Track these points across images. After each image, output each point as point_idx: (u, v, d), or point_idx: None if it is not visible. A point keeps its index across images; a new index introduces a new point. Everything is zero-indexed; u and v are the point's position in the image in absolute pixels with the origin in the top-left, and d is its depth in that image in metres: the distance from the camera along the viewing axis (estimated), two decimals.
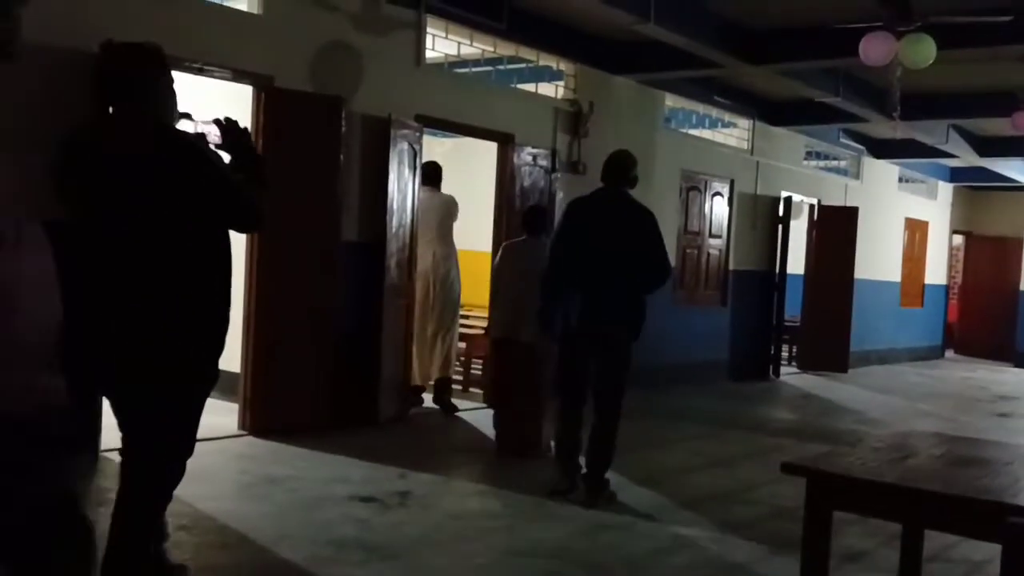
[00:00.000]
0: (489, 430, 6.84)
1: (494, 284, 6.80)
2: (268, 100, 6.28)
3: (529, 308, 5.66)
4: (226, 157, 3.30)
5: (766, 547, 4.63)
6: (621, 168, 5.33)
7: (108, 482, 4.99)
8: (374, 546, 4.25)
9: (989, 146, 12.86)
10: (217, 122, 3.34)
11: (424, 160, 7.45)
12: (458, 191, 10.84)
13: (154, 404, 3.12)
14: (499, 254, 6.63)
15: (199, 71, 6.09)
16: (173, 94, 3.21)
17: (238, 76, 6.26)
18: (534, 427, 6.22)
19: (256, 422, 6.29)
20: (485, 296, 8.36)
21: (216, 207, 3.10)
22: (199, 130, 3.66)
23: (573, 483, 5.24)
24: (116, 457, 5.32)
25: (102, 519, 4.42)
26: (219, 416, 6.56)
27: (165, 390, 3.08)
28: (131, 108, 3.07)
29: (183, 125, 3.33)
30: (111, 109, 3.13)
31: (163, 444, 3.20)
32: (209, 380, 3.25)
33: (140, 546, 3.25)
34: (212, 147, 3.19)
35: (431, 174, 7.64)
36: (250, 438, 6.19)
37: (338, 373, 6.63)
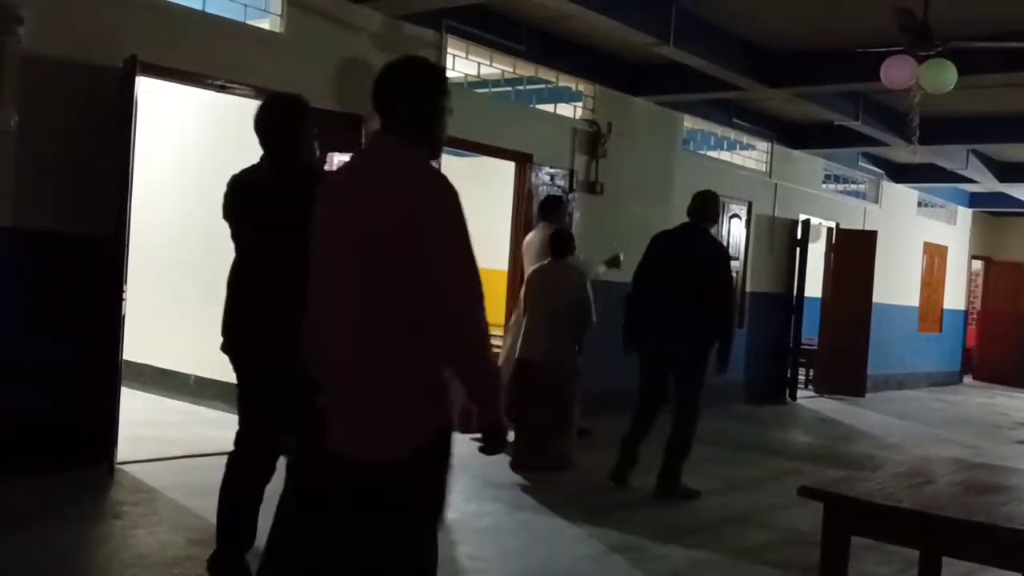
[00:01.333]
0: (507, 448, 6.80)
1: (521, 306, 6.87)
2: None
3: (558, 332, 6.29)
4: None
5: (782, 572, 4.59)
6: (699, 206, 6.05)
7: (122, 494, 5.01)
8: None
9: (1009, 171, 12.79)
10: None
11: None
12: (476, 210, 10.85)
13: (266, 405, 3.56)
14: (527, 279, 6.75)
15: (221, 88, 6.15)
16: (312, 136, 3.66)
17: (260, 94, 6.28)
18: (560, 442, 6.41)
19: None
20: (502, 316, 8.36)
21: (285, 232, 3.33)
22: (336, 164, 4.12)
23: (623, 475, 5.94)
24: (129, 470, 5.36)
25: (116, 531, 4.45)
26: (233, 431, 6.57)
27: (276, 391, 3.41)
28: (275, 150, 3.61)
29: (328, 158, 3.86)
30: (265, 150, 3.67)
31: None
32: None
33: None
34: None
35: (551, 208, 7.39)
36: None
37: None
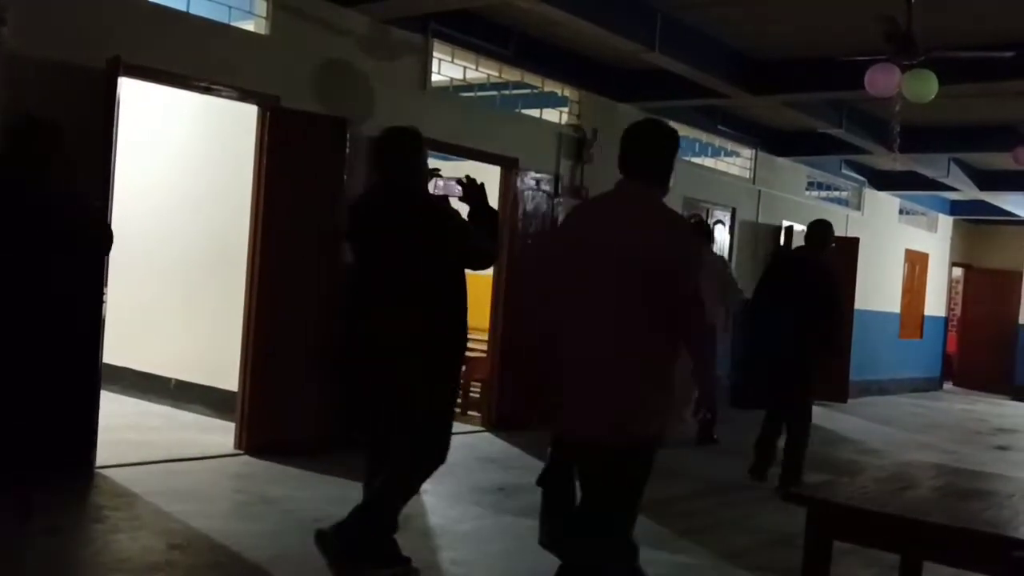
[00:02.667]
0: (489, 452, 6.82)
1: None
2: (273, 120, 6.31)
3: None
4: (461, 206, 4.10)
5: (766, 575, 4.60)
6: (814, 236, 6.86)
7: (103, 499, 4.97)
8: None
9: (989, 180, 12.91)
10: (459, 181, 4.14)
11: None
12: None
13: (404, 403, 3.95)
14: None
15: (206, 90, 6.13)
16: (423, 163, 4.07)
17: (245, 95, 6.30)
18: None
19: (253, 441, 6.26)
20: (486, 320, 8.36)
21: (451, 250, 3.90)
22: (445, 185, 4.88)
23: (761, 474, 6.68)
24: (111, 474, 5.32)
25: (97, 536, 4.41)
26: (215, 435, 6.55)
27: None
28: (389, 177, 4.00)
29: (433, 182, 4.36)
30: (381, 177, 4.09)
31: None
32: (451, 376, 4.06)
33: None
34: (455, 199, 4.11)
35: None
36: (246, 457, 6.16)
37: (337, 393, 6.60)
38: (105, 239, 4.48)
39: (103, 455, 5.43)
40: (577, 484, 3.18)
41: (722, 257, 8.36)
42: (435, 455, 4.03)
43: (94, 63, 5.31)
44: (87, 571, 4.00)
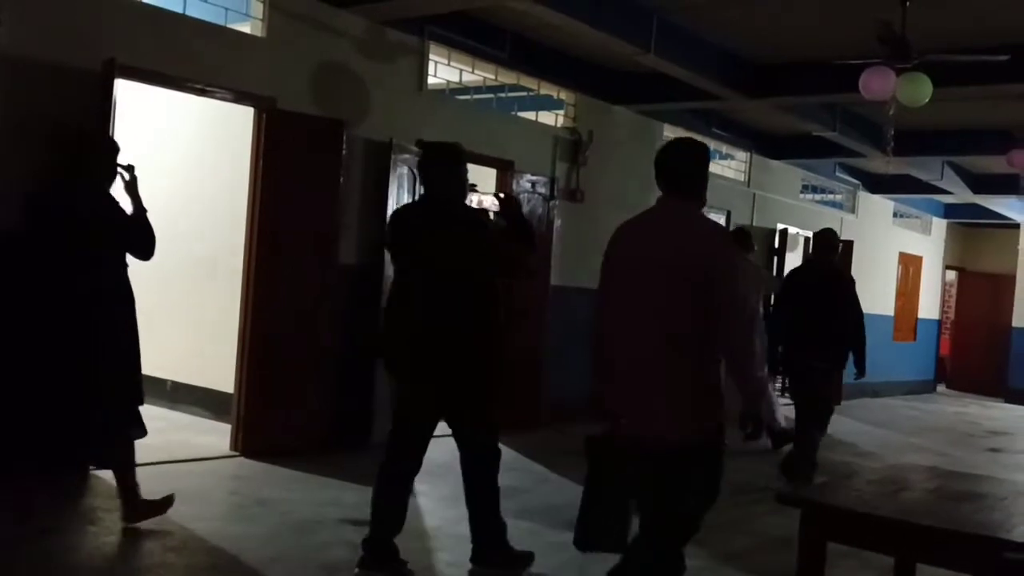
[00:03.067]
0: None
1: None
2: (269, 121, 6.31)
3: None
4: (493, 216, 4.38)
5: None
6: (823, 242, 7.08)
7: (97, 500, 4.97)
8: None
9: (983, 183, 12.95)
10: (497, 196, 4.50)
11: None
12: None
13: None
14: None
15: (201, 92, 6.13)
16: (463, 178, 4.23)
17: (240, 97, 6.30)
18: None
19: (249, 443, 6.26)
20: None
21: (488, 262, 4.11)
22: (482, 200, 5.02)
23: (809, 475, 6.77)
24: (104, 476, 5.31)
25: (90, 537, 4.40)
26: (211, 437, 6.55)
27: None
28: (432, 190, 4.16)
29: (472, 195, 4.56)
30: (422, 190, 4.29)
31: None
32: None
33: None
34: (492, 214, 4.29)
35: None
36: (242, 459, 6.16)
37: (333, 395, 6.62)
38: (150, 245, 4.80)
39: None
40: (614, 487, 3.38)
41: (762, 268, 8.71)
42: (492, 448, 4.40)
43: (90, 65, 5.32)
44: (81, 573, 4.00)
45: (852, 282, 7.22)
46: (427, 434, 4.29)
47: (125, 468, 4.46)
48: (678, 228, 3.30)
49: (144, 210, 4.65)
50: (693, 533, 3.35)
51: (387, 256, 5.25)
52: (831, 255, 7.03)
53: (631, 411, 3.28)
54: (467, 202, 4.36)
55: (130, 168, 4.52)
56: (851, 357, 7.03)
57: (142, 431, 4.53)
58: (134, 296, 4.62)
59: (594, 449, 3.40)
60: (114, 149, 4.51)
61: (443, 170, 4.14)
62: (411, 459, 4.31)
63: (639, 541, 3.33)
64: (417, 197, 5.21)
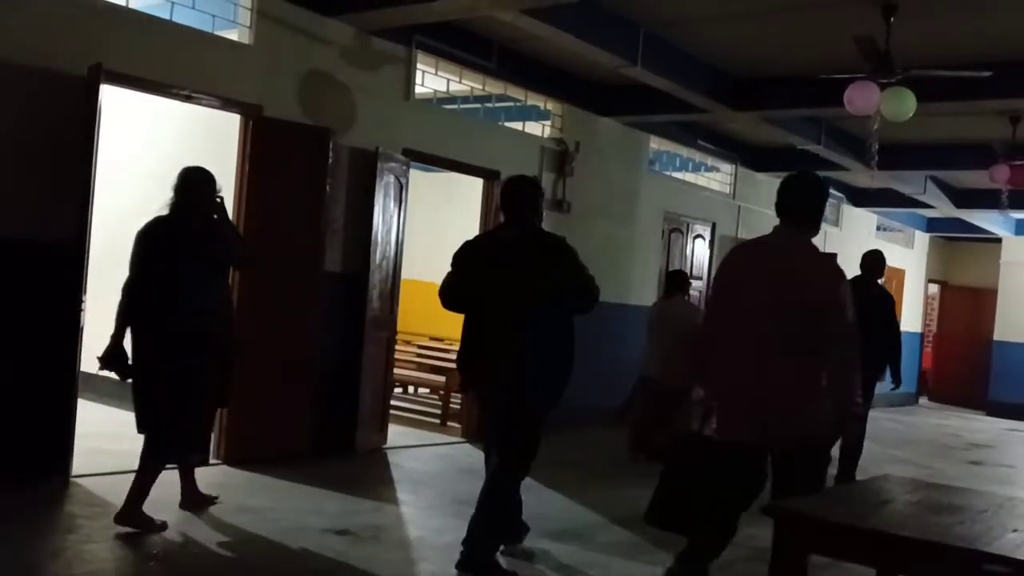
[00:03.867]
0: (468, 463, 6.80)
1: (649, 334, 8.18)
2: (256, 129, 6.30)
3: (674, 357, 7.42)
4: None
5: None
6: (868, 263, 7.49)
7: (77, 508, 4.93)
8: None
9: (966, 198, 13.07)
10: None
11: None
12: (443, 226, 10.87)
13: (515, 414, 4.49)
14: (652, 310, 8.41)
15: (188, 98, 6.12)
16: (540, 206, 4.66)
17: (227, 105, 6.29)
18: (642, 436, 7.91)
19: (232, 451, 6.23)
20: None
21: (565, 284, 4.44)
22: None
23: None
24: (85, 483, 5.28)
25: (70, 545, 4.37)
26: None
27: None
28: (520, 217, 4.56)
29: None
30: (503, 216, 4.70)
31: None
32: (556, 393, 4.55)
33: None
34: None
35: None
36: (225, 467, 6.13)
37: (316, 404, 6.60)
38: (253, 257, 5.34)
39: (79, 464, 5.38)
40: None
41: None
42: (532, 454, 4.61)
43: (75, 70, 5.30)
44: None
45: (893, 301, 7.74)
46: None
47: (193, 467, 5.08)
48: (797, 257, 3.70)
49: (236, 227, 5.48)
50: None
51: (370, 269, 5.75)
52: (879, 274, 7.44)
53: (752, 418, 3.69)
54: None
55: (222, 197, 5.03)
56: (888, 369, 7.60)
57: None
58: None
59: (684, 444, 3.97)
60: (213, 181, 4.97)
61: (527, 200, 4.56)
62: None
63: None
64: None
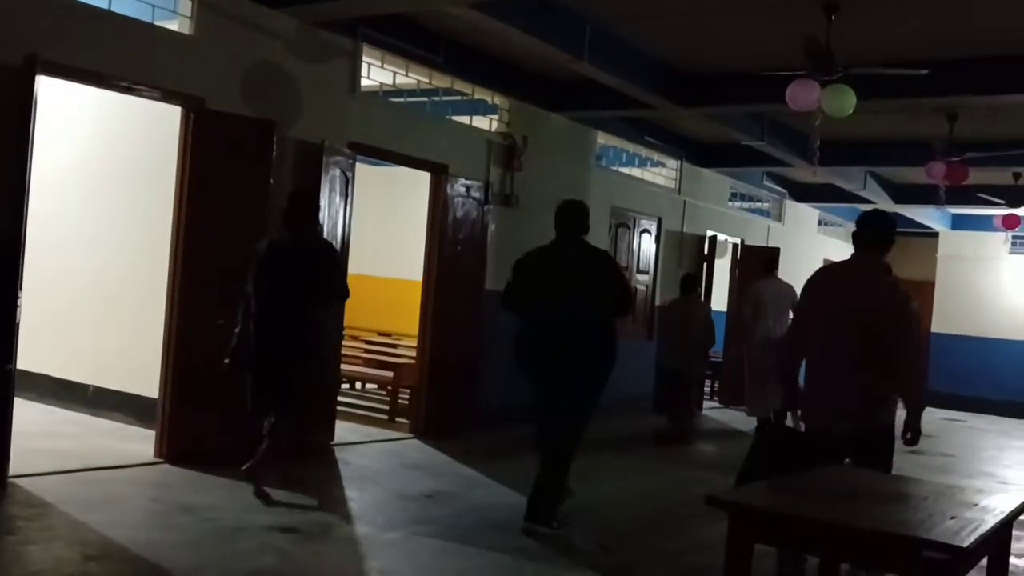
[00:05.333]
0: (416, 459, 6.77)
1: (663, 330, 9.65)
2: (198, 122, 6.19)
3: (697, 351, 9.39)
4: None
5: None
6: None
7: (15, 509, 4.80)
8: None
9: (904, 193, 13.37)
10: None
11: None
12: (391, 220, 10.79)
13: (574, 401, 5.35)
14: (672, 310, 9.64)
15: (127, 90, 5.98)
16: (587, 224, 5.47)
17: (168, 96, 6.16)
18: (684, 423, 9.51)
19: (173, 449, 6.11)
20: (415, 326, 8.33)
21: (611, 293, 5.32)
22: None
23: None
24: (22, 484, 5.14)
25: (8, 547, 4.25)
26: (134, 443, 6.39)
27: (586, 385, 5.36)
28: (569, 234, 5.41)
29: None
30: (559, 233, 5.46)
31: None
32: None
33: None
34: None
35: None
36: (166, 466, 6.02)
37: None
38: (344, 290, 5.88)
39: (15, 464, 5.24)
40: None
41: (792, 285, 10.09)
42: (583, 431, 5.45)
43: (9, 60, 5.14)
44: None
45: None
46: (567, 412, 5.34)
47: (278, 436, 5.56)
48: (874, 280, 4.49)
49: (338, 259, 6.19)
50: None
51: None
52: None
53: (840, 412, 4.36)
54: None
55: (320, 226, 5.87)
56: None
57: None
58: None
59: (769, 430, 4.88)
60: (315, 209, 5.83)
61: (580, 219, 5.40)
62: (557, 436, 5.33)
63: None
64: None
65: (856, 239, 4.58)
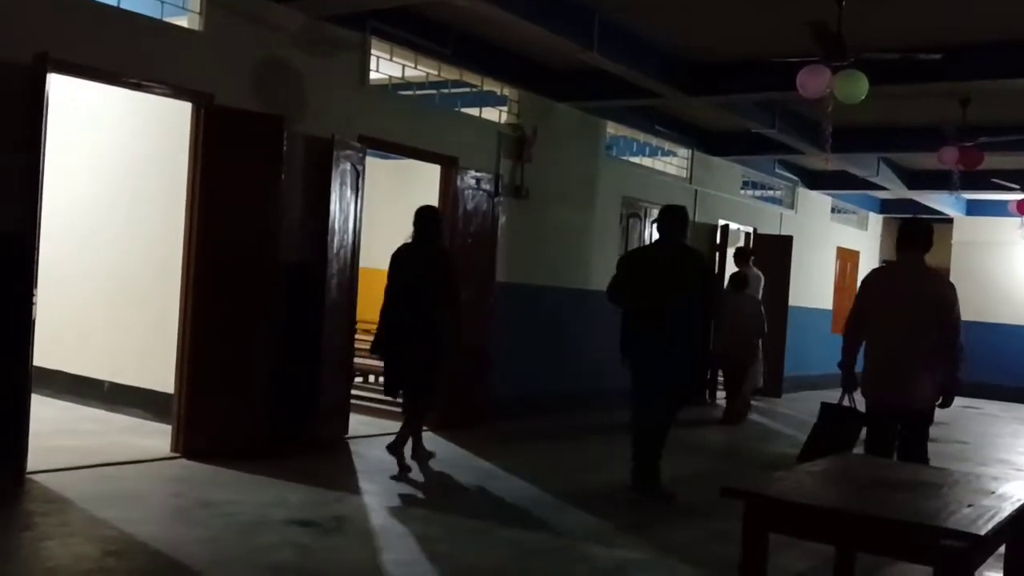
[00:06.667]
0: (432, 450, 6.79)
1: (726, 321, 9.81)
2: (208, 118, 6.20)
3: (748, 339, 10.15)
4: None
5: (705, 570, 4.67)
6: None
7: (33, 505, 4.84)
8: (312, 571, 4.18)
9: (918, 179, 13.27)
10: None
11: None
12: (402, 213, 10.84)
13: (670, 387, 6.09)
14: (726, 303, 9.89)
15: (137, 86, 6.01)
16: (687, 228, 6.23)
17: (178, 92, 6.18)
18: (739, 403, 10.20)
19: (190, 444, 6.15)
20: None
21: (703, 289, 6.06)
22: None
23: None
24: (40, 480, 5.18)
25: (26, 543, 4.29)
26: (152, 439, 6.43)
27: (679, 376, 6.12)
28: (674, 238, 6.09)
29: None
30: (658, 236, 6.23)
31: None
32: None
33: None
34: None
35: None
36: (184, 461, 6.05)
37: (276, 394, 6.53)
38: (451, 294, 6.35)
39: (33, 461, 5.28)
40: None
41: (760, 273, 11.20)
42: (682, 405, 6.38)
43: (20, 59, 5.17)
44: None
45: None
46: (660, 395, 6.04)
47: (419, 421, 6.53)
48: (922, 274, 5.36)
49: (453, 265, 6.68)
50: (927, 444, 5.48)
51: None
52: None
53: (893, 389, 5.26)
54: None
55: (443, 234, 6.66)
56: None
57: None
58: None
59: (834, 409, 5.74)
60: (439, 219, 6.49)
61: (682, 223, 6.12)
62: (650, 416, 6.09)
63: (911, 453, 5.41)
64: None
65: (902, 243, 5.40)
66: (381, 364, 8.51)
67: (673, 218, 6.10)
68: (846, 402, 5.68)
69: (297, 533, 4.70)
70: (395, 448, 6.29)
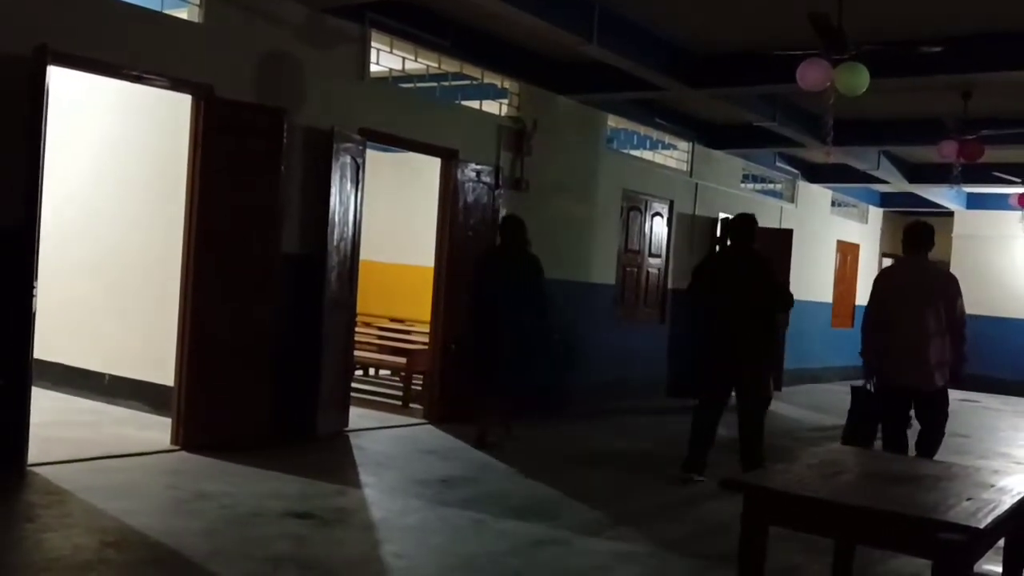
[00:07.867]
0: (430, 444, 6.79)
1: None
2: (208, 110, 6.19)
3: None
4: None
5: (703, 562, 4.68)
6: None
7: (34, 497, 4.85)
8: (311, 563, 4.19)
9: (918, 172, 13.25)
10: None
11: None
12: (402, 206, 10.79)
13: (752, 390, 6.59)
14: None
15: (137, 79, 6.00)
16: (755, 234, 6.57)
17: (177, 85, 6.17)
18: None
19: (189, 437, 6.16)
20: (427, 312, 8.34)
21: (771, 296, 6.46)
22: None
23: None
24: (41, 472, 5.19)
25: (28, 534, 4.30)
26: (151, 431, 6.44)
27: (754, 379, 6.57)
28: (744, 245, 6.53)
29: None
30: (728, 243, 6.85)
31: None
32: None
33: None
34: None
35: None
36: (183, 453, 6.06)
37: (276, 387, 6.54)
38: (537, 298, 7.08)
39: (33, 453, 5.29)
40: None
41: None
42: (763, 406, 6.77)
43: (20, 51, 5.16)
44: (16, 571, 3.90)
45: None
46: (726, 398, 6.57)
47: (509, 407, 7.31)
48: (929, 270, 6.11)
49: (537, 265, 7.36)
50: (945, 422, 6.11)
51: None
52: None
53: (910, 372, 5.91)
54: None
55: (528, 240, 7.25)
56: None
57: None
58: None
59: (863, 392, 6.15)
60: (523, 227, 7.14)
61: (753, 233, 6.51)
62: (715, 410, 6.58)
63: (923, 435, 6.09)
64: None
65: (910, 244, 6.08)
66: (397, 359, 8.87)
67: (745, 224, 6.53)
68: (869, 387, 6.23)
69: (296, 525, 4.71)
70: (482, 441, 7.01)
